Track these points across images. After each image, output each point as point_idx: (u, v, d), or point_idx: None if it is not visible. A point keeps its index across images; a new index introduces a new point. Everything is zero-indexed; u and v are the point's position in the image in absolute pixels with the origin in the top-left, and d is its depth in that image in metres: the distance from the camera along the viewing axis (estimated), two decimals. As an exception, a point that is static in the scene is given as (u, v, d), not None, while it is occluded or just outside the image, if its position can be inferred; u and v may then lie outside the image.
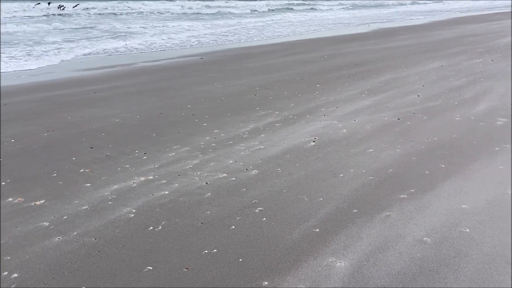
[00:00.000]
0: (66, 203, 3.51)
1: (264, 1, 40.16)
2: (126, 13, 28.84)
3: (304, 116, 5.82)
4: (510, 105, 5.80)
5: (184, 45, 14.35)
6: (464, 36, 13.82)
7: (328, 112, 5.97)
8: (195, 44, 14.58)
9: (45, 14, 26.50)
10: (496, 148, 4.32)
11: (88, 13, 27.73)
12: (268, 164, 4.20)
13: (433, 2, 44.89)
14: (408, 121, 5.40)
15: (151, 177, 3.95)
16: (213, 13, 30.20)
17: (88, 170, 4.18)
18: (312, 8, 35.57)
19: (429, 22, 20.82)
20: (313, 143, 4.75)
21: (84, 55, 12.25)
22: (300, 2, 40.96)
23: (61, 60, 11.29)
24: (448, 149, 4.40)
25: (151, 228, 3.09)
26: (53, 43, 14.11)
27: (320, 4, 39.95)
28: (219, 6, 34.42)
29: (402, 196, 3.45)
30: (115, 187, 3.78)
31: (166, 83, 8.18)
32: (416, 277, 2.45)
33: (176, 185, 3.78)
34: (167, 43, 14.85)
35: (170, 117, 5.91)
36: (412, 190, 3.53)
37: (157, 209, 3.36)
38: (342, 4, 40.59)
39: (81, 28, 19.50)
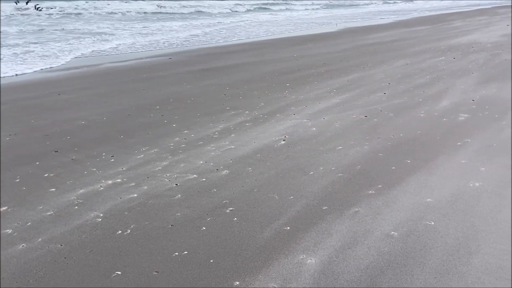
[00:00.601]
0: (30, 209, 3.39)
1: (238, 0, 40.15)
2: (95, 13, 28.12)
3: (274, 115, 5.85)
4: (471, 101, 6.03)
5: (152, 46, 14.13)
6: (428, 35, 14.25)
7: (297, 111, 6.02)
8: (164, 45, 14.39)
9: (7, 15, 25.45)
10: (459, 143, 4.48)
11: (51, 14, 26.85)
12: (238, 164, 4.20)
13: (402, 2, 46.06)
14: (375, 118, 5.52)
15: (119, 180, 3.87)
16: (187, 13, 29.94)
17: (52, 174, 4.05)
18: (286, 9, 35.80)
19: (397, 21, 21.36)
20: (283, 142, 4.78)
21: (48, 56, 11.86)
22: (275, 2, 41.20)
23: (24, 62, 10.88)
24: (413, 144, 4.52)
25: (120, 232, 3.03)
26: (15, 45, 13.57)
27: (294, 4, 40.32)
28: (192, 6, 34.14)
29: (370, 192, 3.52)
30: (81, 191, 3.68)
31: (134, 84, 8.03)
32: (384, 271, 2.51)
33: (145, 187, 3.71)
34: (135, 43, 14.59)
35: (138, 119, 5.81)
36: (380, 186, 3.61)
37: (126, 213, 3.29)
38: (315, 4, 41.08)
39: (45, 29, 18.86)
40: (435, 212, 3.14)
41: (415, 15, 26.51)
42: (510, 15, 20.80)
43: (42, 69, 9.94)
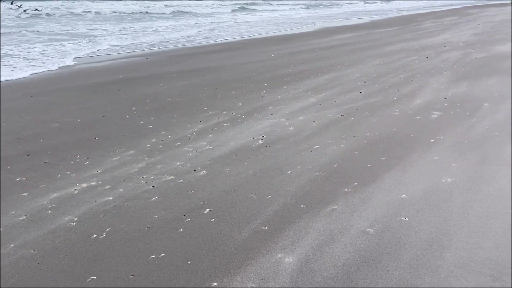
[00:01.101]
0: (2, 214, 3.29)
1: (220, 0, 40.20)
2: (69, 13, 27.54)
3: (252, 115, 5.86)
4: (444, 99, 6.17)
5: (128, 47, 13.93)
6: (402, 34, 14.53)
7: (275, 110, 6.05)
8: (141, 46, 14.21)
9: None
10: (432, 140, 4.58)
11: (27, 13, 26.15)
12: (216, 164, 4.19)
13: (380, 2, 46.80)
14: (352, 117, 5.59)
15: (94, 183, 3.80)
16: (168, 13, 29.70)
17: (25, 178, 3.95)
18: (263, 9, 35.96)
19: (373, 21, 21.69)
20: (261, 142, 4.79)
21: (18, 56, 11.54)
22: (255, 1, 41.37)
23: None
24: (388, 142, 4.60)
25: (95, 236, 2.98)
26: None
27: (273, 4, 40.56)
28: (172, 6, 33.91)
29: (347, 189, 3.56)
30: (55, 195, 3.59)
31: (109, 85, 7.90)
32: (360, 267, 2.54)
33: (121, 190, 3.66)
34: (111, 44, 14.34)
35: (113, 120, 5.72)
36: (356, 183, 3.66)
37: (101, 216, 3.23)
38: (296, 4, 41.40)
39: (16, 29, 18.36)
40: (409, 208, 3.21)
41: (393, 15, 26.99)
42: (480, 15, 21.41)
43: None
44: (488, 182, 3.53)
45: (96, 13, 28.14)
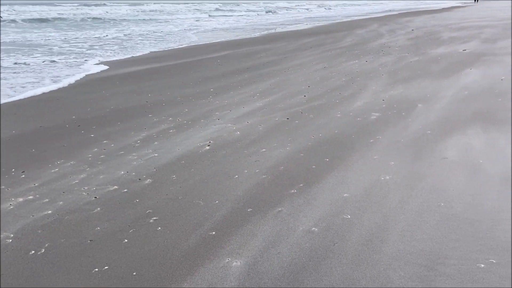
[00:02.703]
0: None
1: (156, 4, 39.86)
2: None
3: (198, 120, 5.83)
4: (382, 100, 6.50)
5: (68, 53, 13.35)
6: (344, 39, 15.11)
7: (222, 115, 6.06)
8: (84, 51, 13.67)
9: None
10: (371, 140, 4.81)
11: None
12: (162, 172, 4.12)
13: (325, 9, 48.35)
14: (297, 120, 5.73)
15: (31, 197, 3.60)
16: (118, 20, 28.86)
17: (-48, 196, 3.66)
18: (224, 15, 36.03)
19: (318, 27, 22.34)
20: (208, 147, 4.78)
21: None
22: (216, 7, 41.53)
23: None
24: (331, 143, 4.77)
25: (33, 252, 2.82)
26: None
27: (226, 10, 40.79)
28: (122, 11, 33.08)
29: (293, 191, 3.65)
30: (-13, 212, 3.37)
31: (46, 94, 7.53)
32: (305, 266, 2.61)
33: (61, 203, 3.50)
34: (52, 50, 13.68)
35: (52, 130, 5.45)
36: (301, 185, 3.76)
37: (39, 231, 3.07)
38: (251, 11, 41.77)
39: None
40: (351, 206, 3.34)
41: (337, 20, 27.97)
42: (414, 21, 22.76)
43: None
44: (422, 178, 3.77)
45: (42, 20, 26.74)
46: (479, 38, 13.35)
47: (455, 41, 13.02)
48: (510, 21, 19.16)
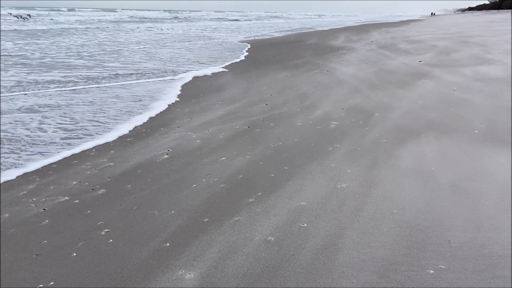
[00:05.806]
0: None
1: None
2: None
3: (158, 129, 5.72)
4: (341, 109, 6.63)
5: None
6: (306, 49, 15.38)
7: (182, 123, 5.98)
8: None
9: None
10: (329, 148, 4.88)
11: None
12: (117, 182, 4.00)
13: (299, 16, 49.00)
14: (258, 128, 5.73)
15: (-27, 210, 3.39)
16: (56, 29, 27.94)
17: None
18: (188, 20, 35.85)
19: (281, 36, 22.63)
20: (166, 156, 4.69)
21: None
22: (176, 15, 41.26)
23: None
24: (291, 152, 4.80)
25: (-29, 269, 2.65)
26: None
27: (193, 18, 40.69)
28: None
29: (250, 200, 3.63)
30: None
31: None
32: (260, 276, 2.59)
33: (6, 215, 3.31)
34: None
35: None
36: (259, 193, 3.74)
37: (-20, 246, 2.89)
38: (222, 19, 41.75)
39: None
40: (308, 214, 3.36)
41: (302, 31, 28.45)
42: (373, 33, 23.53)
43: None
44: (377, 186, 3.85)
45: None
46: (434, 50, 13.95)
47: (412, 53, 13.54)
48: (462, 35, 20.18)
